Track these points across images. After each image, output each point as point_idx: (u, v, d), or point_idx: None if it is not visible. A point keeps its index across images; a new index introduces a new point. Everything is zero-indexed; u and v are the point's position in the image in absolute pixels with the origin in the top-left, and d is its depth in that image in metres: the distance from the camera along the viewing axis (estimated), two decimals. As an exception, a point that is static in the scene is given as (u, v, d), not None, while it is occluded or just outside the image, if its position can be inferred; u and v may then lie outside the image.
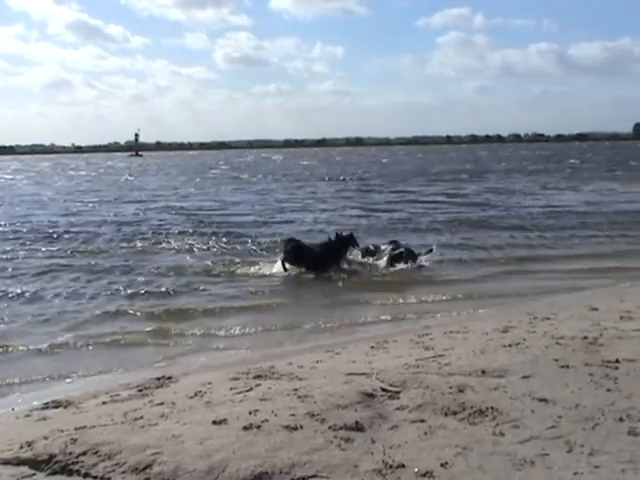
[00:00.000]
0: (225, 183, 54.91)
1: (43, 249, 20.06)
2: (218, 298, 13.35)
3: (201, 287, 14.36)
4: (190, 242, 20.86)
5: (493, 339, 8.50)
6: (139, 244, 20.91)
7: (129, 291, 13.89)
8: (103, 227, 25.26)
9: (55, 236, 22.82)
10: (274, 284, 14.78)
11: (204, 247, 20.10)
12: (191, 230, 23.69)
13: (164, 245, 20.73)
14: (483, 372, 6.84)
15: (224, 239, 21.23)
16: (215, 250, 19.59)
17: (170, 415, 6.07)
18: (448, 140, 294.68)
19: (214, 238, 21.44)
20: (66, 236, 22.78)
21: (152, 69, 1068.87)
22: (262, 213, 29.79)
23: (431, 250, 16.48)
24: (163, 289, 14.15)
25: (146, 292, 13.88)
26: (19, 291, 13.97)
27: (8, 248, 20.13)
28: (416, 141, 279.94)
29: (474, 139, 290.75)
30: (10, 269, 16.70)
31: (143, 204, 35.52)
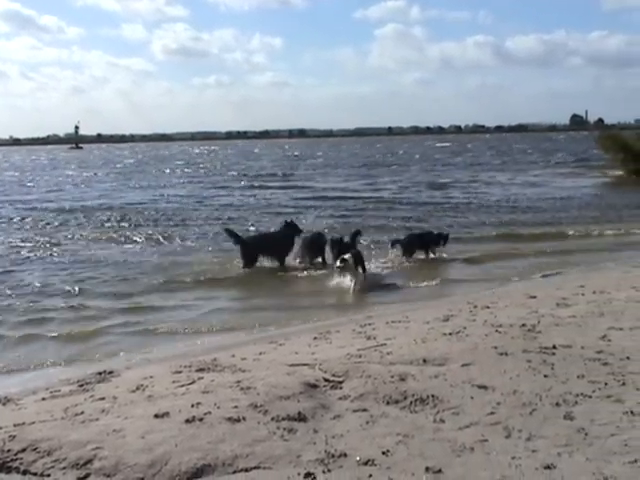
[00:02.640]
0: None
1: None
2: (160, 291, 13.19)
3: (144, 279, 14.19)
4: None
5: (434, 328, 8.62)
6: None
7: (69, 287, 13.62)
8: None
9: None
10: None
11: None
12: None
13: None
14: (424, 361, 6.94)
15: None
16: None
17: (111, 410, 6.00)
18: (390, 131, 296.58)
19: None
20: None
21: (89, 60, 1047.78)
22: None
23: None
24: (106, 283, 13.97)
25: (87, 286, 13.65)
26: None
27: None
28: (359, 133, 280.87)
29: (416, 130, 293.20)
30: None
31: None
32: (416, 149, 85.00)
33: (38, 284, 13.80)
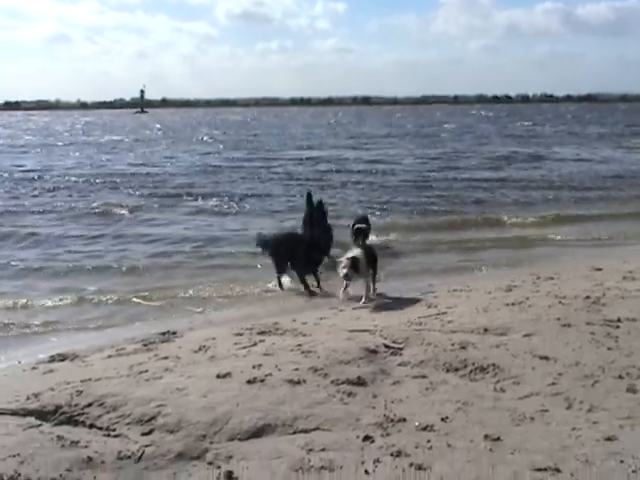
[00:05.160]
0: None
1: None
2: (222, 257, 13.35)
3: (209, 246, 14.38)
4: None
5: (496, 298, 8.54)
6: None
7: (140, 247, 13.87)
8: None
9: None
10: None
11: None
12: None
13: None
14: (485, 330, 6.89)
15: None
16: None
17: (174, 369, 6.15)
18: (455, 100, 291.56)
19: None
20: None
21: (153, 25, 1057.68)
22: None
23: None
24: (172, 247, 14.25)
25: (154, 249, 13.92)
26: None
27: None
28: (424, 101, 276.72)
29: (482, 99, 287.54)
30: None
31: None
32: (488, 122, 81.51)
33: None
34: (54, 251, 13.90)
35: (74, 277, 11.78)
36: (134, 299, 10.30)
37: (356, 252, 9.38)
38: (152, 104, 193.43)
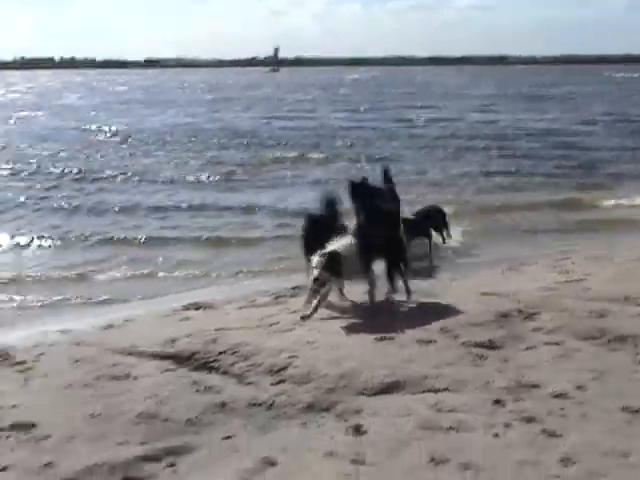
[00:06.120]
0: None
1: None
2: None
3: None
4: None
5: (639, 267, 8.14)
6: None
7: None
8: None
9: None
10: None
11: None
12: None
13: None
14: (626, 299, 6.58)
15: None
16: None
17: (305, 322, 6.25)
18: (600, 60, 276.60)
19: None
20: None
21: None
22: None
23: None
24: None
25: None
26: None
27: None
28: (565, 60, 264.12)
29: (628, 59, 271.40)
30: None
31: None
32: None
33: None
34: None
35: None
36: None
37: (342, 243, 6.71)
38: (285, 62, 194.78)
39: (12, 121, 35.07)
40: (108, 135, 28.06)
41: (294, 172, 18.41)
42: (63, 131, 29.47)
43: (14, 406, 4.72)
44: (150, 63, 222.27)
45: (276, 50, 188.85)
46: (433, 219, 10.26)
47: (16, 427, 4.39)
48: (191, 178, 17.64)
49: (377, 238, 6.89)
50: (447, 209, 10.96)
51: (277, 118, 34.94)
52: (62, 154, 22.27)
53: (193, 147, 23.85)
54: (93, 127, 30.73)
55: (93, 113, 39.68)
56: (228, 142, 25.05)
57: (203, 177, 17.70)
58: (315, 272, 6.44)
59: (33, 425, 4.41)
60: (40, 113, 40.01)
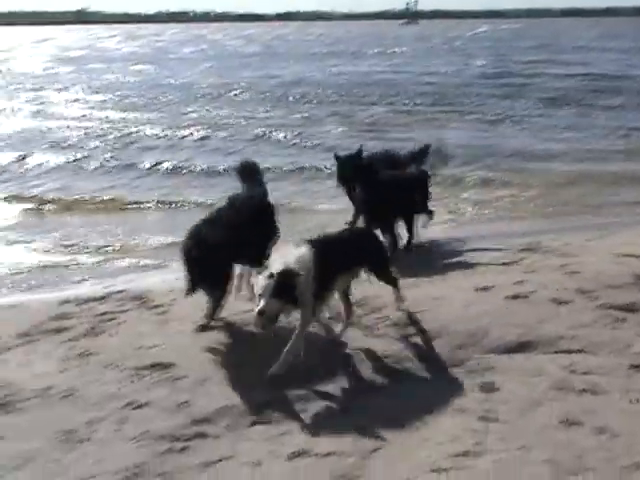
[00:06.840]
0: None
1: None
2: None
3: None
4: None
5: None
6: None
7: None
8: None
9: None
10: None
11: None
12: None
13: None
14: None
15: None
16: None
17: (434, 280, 6.22)
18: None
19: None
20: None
21: None
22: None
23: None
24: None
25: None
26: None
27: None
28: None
29: None
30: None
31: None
32: None
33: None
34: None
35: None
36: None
37: (298, 254, 4.57)
38: (423, 15, 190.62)
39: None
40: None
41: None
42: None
43: (153, 346, 4.97)
44: (282, 16, 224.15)
45: (411, 1, 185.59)
46: None
47: (155, 366, 4.64)
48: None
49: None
50: None
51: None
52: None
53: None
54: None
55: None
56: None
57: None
58: (260, 304, 4.33)
59: (171, 365, 4.64)
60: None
